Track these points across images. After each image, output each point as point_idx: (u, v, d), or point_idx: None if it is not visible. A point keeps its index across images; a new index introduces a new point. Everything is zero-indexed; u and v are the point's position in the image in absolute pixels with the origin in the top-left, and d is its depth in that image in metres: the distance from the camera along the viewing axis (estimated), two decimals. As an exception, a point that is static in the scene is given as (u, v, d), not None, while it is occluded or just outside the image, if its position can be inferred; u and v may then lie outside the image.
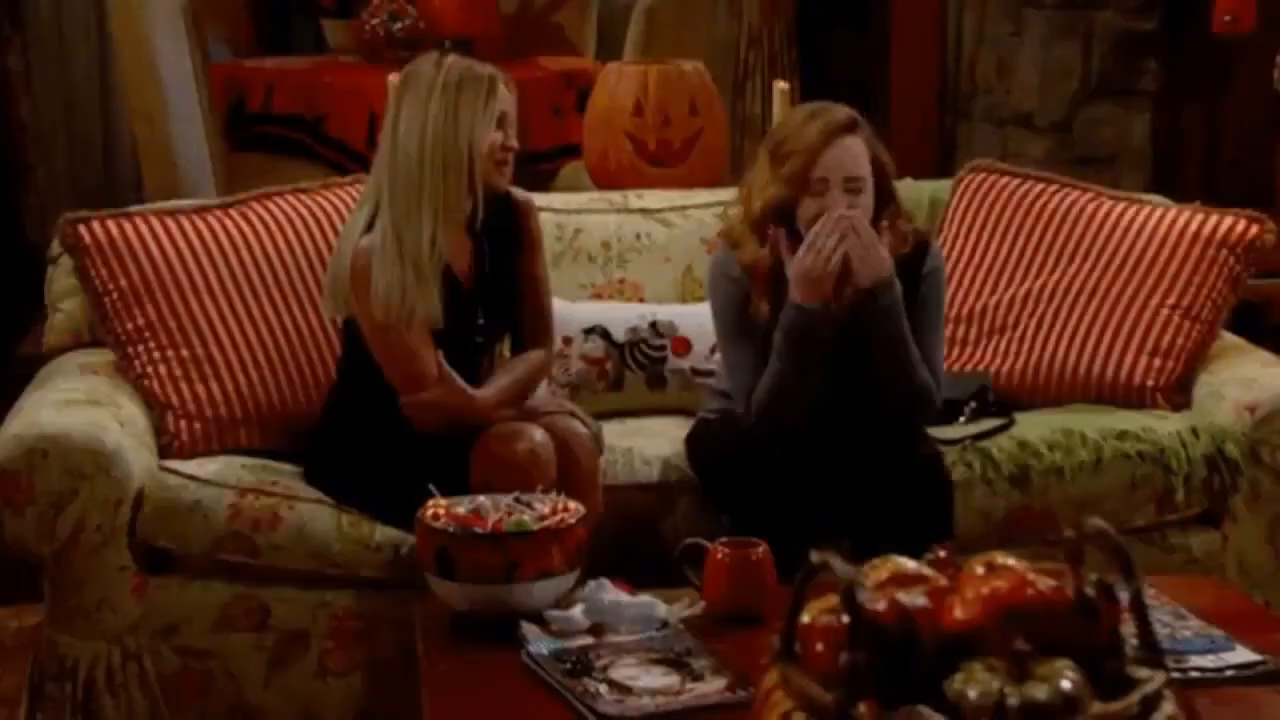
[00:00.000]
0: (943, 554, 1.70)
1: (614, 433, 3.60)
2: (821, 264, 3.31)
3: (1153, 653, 1.59)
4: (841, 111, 3.40)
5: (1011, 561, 1.61)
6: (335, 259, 3.41)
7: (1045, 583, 1.59)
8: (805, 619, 1.66)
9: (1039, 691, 1.51)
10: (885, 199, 3.45)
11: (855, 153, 3.37)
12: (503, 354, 3.61)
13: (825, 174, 3.35)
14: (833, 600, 1.62)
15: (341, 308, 3.40)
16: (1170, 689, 1.57)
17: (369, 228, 3.32)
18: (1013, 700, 1.51)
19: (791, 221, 3.40)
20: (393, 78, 4.74)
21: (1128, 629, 1.63)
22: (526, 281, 3.56)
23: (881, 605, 1.54)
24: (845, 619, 1.53)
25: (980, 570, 1.61)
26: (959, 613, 1.56)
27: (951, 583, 1.61)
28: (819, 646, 1.62)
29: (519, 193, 3.56)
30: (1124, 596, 1.66)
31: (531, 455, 3.25)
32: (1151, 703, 1.54)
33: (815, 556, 1.60)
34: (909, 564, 1.66)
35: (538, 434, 3.29)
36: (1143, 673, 1.59)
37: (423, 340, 3.32)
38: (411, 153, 3.31)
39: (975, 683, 1.54)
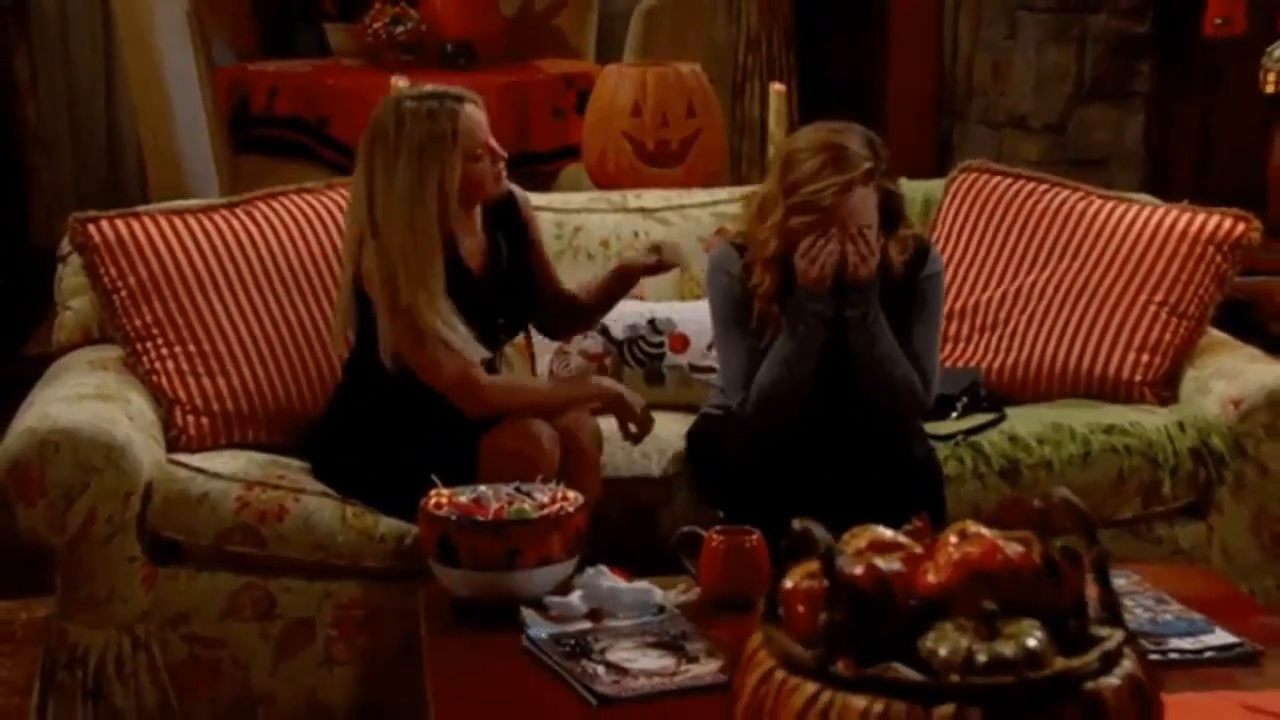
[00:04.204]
0: (919, 524, 1.78)
1: (613, 427, 3.64)
2: (816, 271, 3.38)
3: (1112, 613, 1.67)
4: (858, 158, 3.38)
5: (982, 530, 1.69)
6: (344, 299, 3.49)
7: (1013, 548, 1.68)
8: (788, 584, 1.74)
9: (1006, 648, 1.60)
10: (895, 223, 3.49)
11: (867, 205, 3.39)
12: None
13: (837, 227, 3.39)
14: (814, 566, 1.70)
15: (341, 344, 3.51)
16: (1129, 646, 1.65)
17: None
18: (981, 656, 1.60)
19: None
20: (395, 79, 4.82)
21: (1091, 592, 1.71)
22: (542, 271, 3.66)
23: (859, 570, 1.62)
24: (825, 583, 1.61)
25: (953, 538, 1.69)
26: (932, 576, 1.64)
27: (927, 551, 1.70)
28: (800, 609, 1.70)
29: (515, 190, 3.63)
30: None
31: (539, 448, 3.31)
32: (1111, 658, 1.62)
33: (797, 524, 1.68)
34: (886, 532, 1.75)
35: (545, 428, 3.36)
36: (1104, 631, 1.68)
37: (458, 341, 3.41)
38: (394, 223, 3.36)
39: (946, 641, 1.63)
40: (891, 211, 3.48)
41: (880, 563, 1.65)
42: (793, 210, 3.39)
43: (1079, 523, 1.68)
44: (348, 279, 3.45)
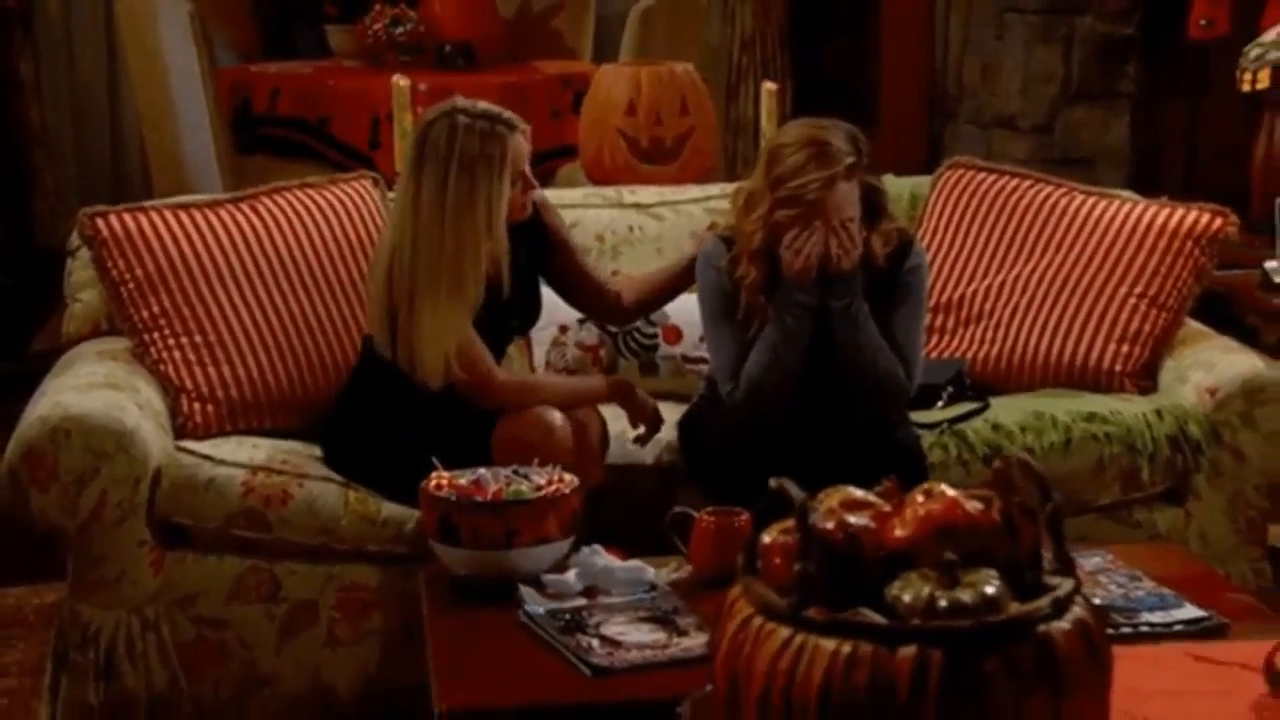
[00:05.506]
0: (889, 485, 1.90)
1: (609, 415, 3.70)
2: (800, 262, 3.48)
3: (1064, 565, 1.80)
4: (841, 153, 3.45)
5: (946, 489, 1.82)
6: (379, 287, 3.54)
7: (974, 506, 1.80)
8: (765, 539, 1.86)
9: (965, 595, 1.72)
10: (877, 216, 3.57)
11: (849, 199, 3.47)
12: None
13: (820, 220, 3.48)
14: (789, 523, 1.82)
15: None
16: (1079, 595, 1.77)
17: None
18: (942, 602, 1.72)
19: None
20: (395, 80, 4.90)
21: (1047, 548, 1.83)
22: (574, 273, 3.74)
23: (830, 525, 1.74)
24: (799, 537, 1.73)
25: (919, 497, 1.82)
26: (898, 531, 1.77)
27: (895, 509, 1.82)
28: (776, 561, 1.82)
29: (537, 194, 3.66)
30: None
31: (551, 437, 3.39)
32: (1062, 605, 1.75)
33: (773, 482, 1.79)
34: (857, 492, 1.87)
35: (557, 417, 3.44)
36: (1056, 580, 1.80)
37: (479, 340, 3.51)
38: (433, 231, 3.43)
39: (910, 588, 1.75)
40: (874, 205, 3.56)
41: (851, 518, 1.77)
42: (778, 204, 3.47)
43: (1035, 483, 1.80)
44: (381, 279, 3.50)
